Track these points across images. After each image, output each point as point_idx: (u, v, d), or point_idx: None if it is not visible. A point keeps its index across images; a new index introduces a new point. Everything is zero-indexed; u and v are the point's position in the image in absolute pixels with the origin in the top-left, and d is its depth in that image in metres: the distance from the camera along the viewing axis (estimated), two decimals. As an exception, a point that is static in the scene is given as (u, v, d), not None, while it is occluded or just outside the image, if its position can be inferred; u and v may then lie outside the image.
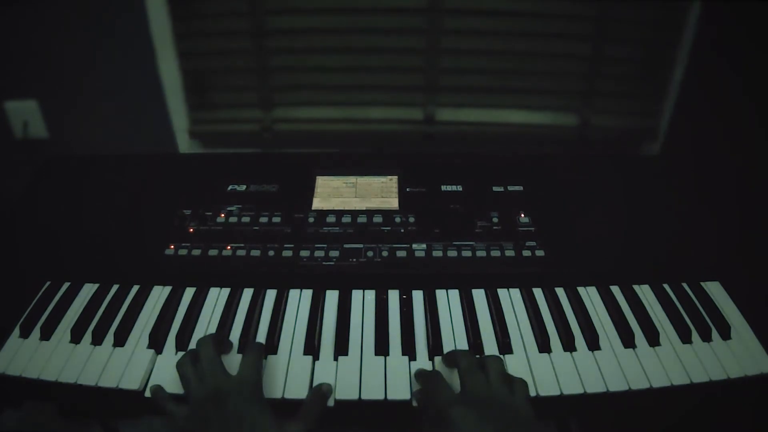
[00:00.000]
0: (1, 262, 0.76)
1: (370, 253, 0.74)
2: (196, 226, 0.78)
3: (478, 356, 0.61)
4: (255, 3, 1.16)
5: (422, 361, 0.62)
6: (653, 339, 0.65)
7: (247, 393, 0.55)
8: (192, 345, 0.64)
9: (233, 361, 0.59)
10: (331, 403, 0.58)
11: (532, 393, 0.58)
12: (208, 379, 0.57)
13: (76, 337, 0.65)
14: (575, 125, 1.30)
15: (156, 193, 0.85)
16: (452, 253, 0.74)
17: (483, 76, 1.25)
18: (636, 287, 0.72)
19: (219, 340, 0.63)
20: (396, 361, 0.62)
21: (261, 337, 0.66)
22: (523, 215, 0.79)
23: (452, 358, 0.60)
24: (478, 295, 0.71)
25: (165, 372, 0.61)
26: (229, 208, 0.80)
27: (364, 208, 0.81)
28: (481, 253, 0.74)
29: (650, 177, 0.90)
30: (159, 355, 0.64)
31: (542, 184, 0.86)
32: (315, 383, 0.60)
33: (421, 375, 0.60)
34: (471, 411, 0.52)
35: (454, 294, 0.72)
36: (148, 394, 0.59)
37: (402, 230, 0.77)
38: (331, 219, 0.79)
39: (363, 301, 0.71)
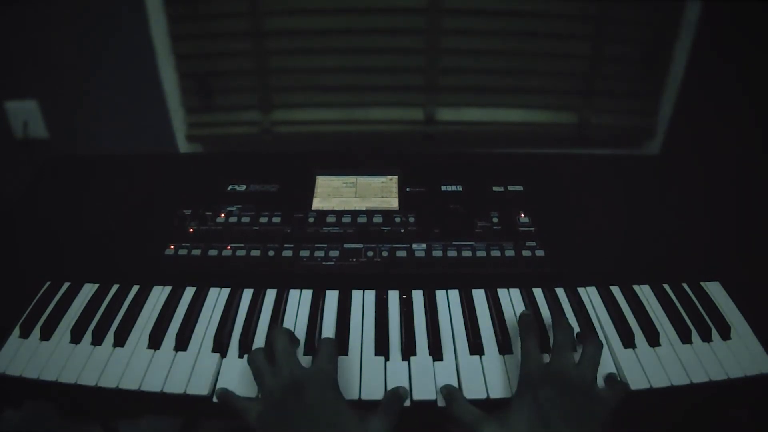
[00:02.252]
0: (1, 262, 0.76)
1: (370, 253, 0.74)
2: (196, 226, 0.78)
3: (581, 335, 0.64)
4: (254, 4, 1.16)
5: (422, 361, 0.62)
6: (653, 339, 0.65)
7: (325, 382, 0.55)
8: (192, 345, 0.64)
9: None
10: None
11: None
12: (284, 370, 0.55)
13: (76, 337, 0.65)
14: (575, 124, 1.30)
15: (156, 193, 0.85)
16: (452, 253, 0.74)
17: (483, 76, 1.25)
18: (636, 287, 0.72)
19: (290, 333, 0.63)
20: (396, 361, 0.62)
21: (261, 337, 0.66)
22: (523, 215, 0.79)
23: (555, 324, 0.62)
24: (478, 295, 0.71)
25: (164, 372, 0.61)
26: (229, 208, 0.80)
27: (364, 208, 0.81)
28: (481, 253, 0.74)
29: (650, 177, 0.90)
30: (159, 355, 0.63)
31: (542, 184, 0.85)
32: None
33: (520, 324, 0.63)
34: (554, 393, 0.53)
35: (454, 294, 0.72)
36: (214, 399, 0.58)
37: (402, 230, 0.77)
38: (331, 219, 0.79)
39: (363, 301, 0.71)
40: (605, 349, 0.64)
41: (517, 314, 0.68)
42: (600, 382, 0.60)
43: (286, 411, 0.52)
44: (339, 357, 0.62)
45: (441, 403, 0.57)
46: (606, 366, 0.62)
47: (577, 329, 0.66)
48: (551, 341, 0.62)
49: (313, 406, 0.52)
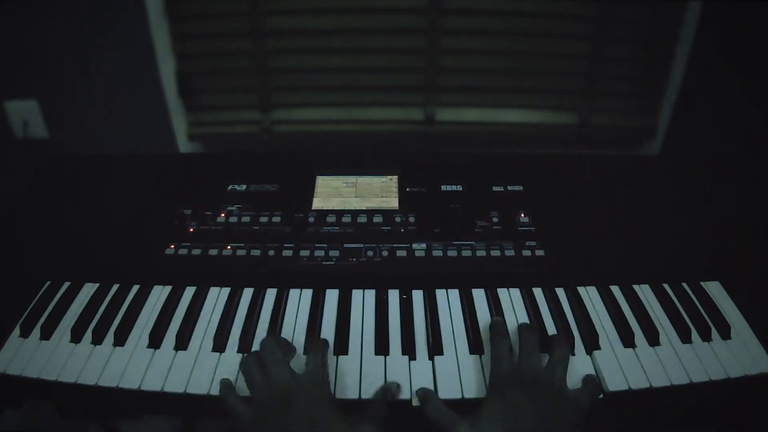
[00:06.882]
0: (1, 262, 0.76)
1: (370, 253, 0.74)
2: (196, 226, 0.78)
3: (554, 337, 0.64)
4: (254, 4, 1.16)
5: (422, 361, 0.62)
6: (653, 339, 0.65)
7: (315, 394, 0.54)
8: (192, 344, 0.64)
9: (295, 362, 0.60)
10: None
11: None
12: (274, 380, 0.55)
13: (76, 336, 0.65)
14: (575, 124, 1.30)
15: (156, 193, 0.85)
16: (452, 253, 0.74)
17: (483, 76, 1.25)
18: (636, 287, 0.72)
19: (282, 342, 0.62)
20: (396, 360, 0.62)
21: (261, 336, 0.65)
22: (523, 215, 0.79)
23: (520, 328, 0.63)
24: (478, 295, 0.71)
25: (164, 371, 0.61)
26: (229, 208, 0.80)
27: (364, 208, 0.81)
28: (481, 253, 0.74)
29: (650, 177, 0.90)
30: (159, 355, 0.63)
31: (542, 184, 0.85)
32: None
33: (492, 329, 0.63)
34: (524, 393, 0.54)
35: (454, 294, 0.72)
36: (210, 392, 0.58)
37: (402, 230, 0.77)
38: (331, 219, 0.79)
39: (363, 300, 0.71)
40: (605, 348, 0.64)
41: (518, 314, 0.69)
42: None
43: (273, 422, 0.52)
44: (339, 357, 0.63)
45: (416, 402, 0.58)
46: (605, 365, 0.61)
47: (577, 331, 0.66)
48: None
49: (301, 419, 0.51)
